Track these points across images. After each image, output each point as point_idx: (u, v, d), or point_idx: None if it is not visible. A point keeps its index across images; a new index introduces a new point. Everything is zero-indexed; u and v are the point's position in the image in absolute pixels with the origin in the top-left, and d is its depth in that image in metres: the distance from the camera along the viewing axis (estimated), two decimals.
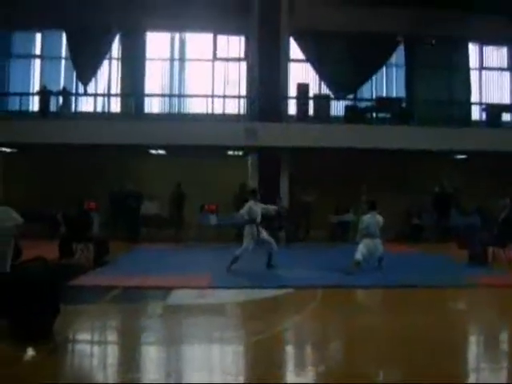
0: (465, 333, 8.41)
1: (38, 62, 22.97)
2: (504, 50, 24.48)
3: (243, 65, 22.97)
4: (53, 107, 21.41)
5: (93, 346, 7.52)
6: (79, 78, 22.09)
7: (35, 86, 22.62)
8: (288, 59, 22.56)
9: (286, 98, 22.06)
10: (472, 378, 6.44)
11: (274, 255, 13.31)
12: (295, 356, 7.33)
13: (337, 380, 5.97)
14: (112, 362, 6.79)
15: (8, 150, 21.36)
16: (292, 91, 22.30)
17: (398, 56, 23.41)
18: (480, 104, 23.82)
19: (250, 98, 22.07)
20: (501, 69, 24.54)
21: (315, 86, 22.92)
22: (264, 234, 13.19)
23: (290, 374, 6.53)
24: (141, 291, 10.64)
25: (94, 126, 19.79)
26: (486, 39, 23.93)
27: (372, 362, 6.65)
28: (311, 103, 21.72)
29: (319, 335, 8.06)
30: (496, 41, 24.08)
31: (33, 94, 22.21)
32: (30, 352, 6.73)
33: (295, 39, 22.60)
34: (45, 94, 21.30)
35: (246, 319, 9.12)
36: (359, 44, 22.03)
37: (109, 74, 22.69)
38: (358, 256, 12.90)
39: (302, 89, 21.60)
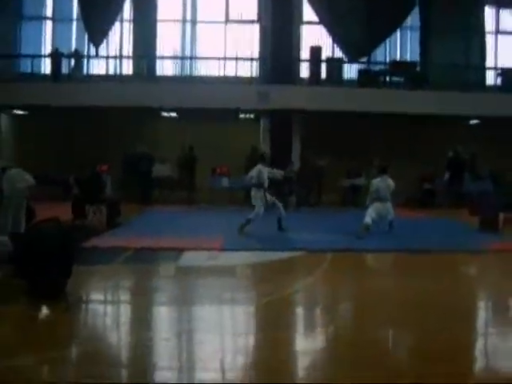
0: (475, 297, 8.44)
1: (49, 23, 22.85)
2: None
3: (256, 27, 22.69)
4: (65, 69, 21.35)
5: (105, 306, 7.63)
6: (91, 39, 21.92)
7: (47, 48, 22.54)
8: (301, 21, 22.32)
9: (298, 60, 21.89)
10: (482, 342, 6.46)
11: (283, 219, 13.32)
12: (305, 318, 7.39)
13: (346, 343, 6.02)
14: (124, 321, 6.89)
15: (20, 112, 21.40)
16: (305, 54, 22.08)
17: (413, 19, 23.00)
18: (495, 69, 23.49)
19: (262, 60, 21.88)
20: None
21: (328, 48, 22.64)
22: (271, 199, 13.20)
23: (299, 335, 6.60)
24: (153, 252, 10.74)
25: (106, 88, 19.76)
26: (503, 2, 23.49)
27: (381, 325, 6.69)
28: (324, 66, 21.52)
29: (329, 298, 8.12)
30: None
31: (44, 56, 22.16)
32: (45, 311, 6.83)
33: (309, 1, 22.27)
34: (56, 56, 21.23)
35: (257, 281, 9.19)
36: (373, 6, 21.64)
37: (120, 36, 22.51)
38: (368, 220, 12.92)
39: (315, 51, 21.39)
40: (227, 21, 22.76)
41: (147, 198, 19.11)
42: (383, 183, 13.46)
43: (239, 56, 22.54)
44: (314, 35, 22.68)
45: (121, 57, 22.56)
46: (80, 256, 8.21)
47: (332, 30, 22.29)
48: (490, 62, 23.44)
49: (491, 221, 13.81)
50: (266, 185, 13.16)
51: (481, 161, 20.62)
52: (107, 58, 22.40)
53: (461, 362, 5.49)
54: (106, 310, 7.44)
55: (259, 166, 13.24)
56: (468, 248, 11.72)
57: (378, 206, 13.23)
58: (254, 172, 13.21)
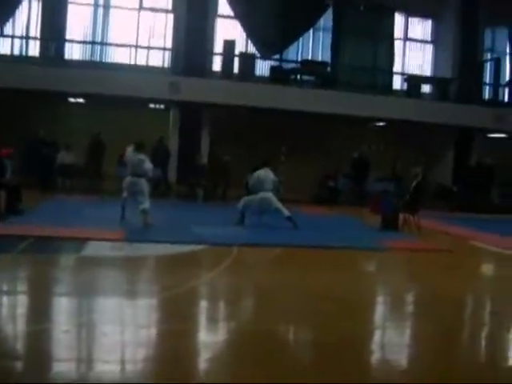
0: (370, 293, 8.71)
1: None
2: (428, 23, 25.04)
3: (170, 16, 22.46)
4: None
5: (2, 296, 7.35)
6: None
7: None
8: (216, 14, 22.28)
9: (211, 53, 21.86)
10: (373, 336, 6.70)
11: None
12: (207, 311, 7.41)
13: (244, 334, 6.09)
14: (21, 312, 6.66)
15: None
16: (218, 47, 22.07)
17: (326, 20, 23.49)
18: (402, 74, 24.38)
19: (175, 51, 21.69)
20: (424, 41, 25.13)
21: (242, 43, 22.74)
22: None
23: (200, 328, 6.61)
24: (54, 242, 10.43)
25: (11, 69, 18.97)
26: (412, 11, 24.40)
27: (279, 317, 6.81)
28: (237, 61, 21.59)
29: (231, 291, 8.18)
30: (421, 13, 24.61)
31: None
32: None
33: None
34: None
35: (160, 274, 9.15)
36: (289, 4, 21.97)
37: (28, 16, 21.61)
38: (240, 206, 13.53)
39: (229, 45, 21.40)
40: (141, 8, 22.39)
41: (49, 185, 18.54)
42: (265, 175, 13.75)
43: (151, 45, 22.27)
44: (228, 29, 22.71)
45: (27, 37, 21.72)
46: None
47: (246, 25, 22.42)
48: (397, 67, 24.30)
49: (391, 220, 14.32)
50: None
51: (381, 161, 21.29)
52: (12, 37, 21.50)
53: (353, 354, 5.68)
54: (3, 301, 7.17)
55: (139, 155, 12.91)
56: (367, 245, 12.13)
57: (254, 197, 13.63)
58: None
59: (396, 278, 9.81)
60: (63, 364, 5.02)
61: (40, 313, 6.49)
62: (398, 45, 24.42)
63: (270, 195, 13.63)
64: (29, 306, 6.98)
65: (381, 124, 22.68)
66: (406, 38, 24.84)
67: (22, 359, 5.12)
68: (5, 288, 7.74)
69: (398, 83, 24.27)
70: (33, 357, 5.15)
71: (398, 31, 24.50)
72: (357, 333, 6.39)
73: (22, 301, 7.27)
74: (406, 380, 5.12)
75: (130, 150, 13.12)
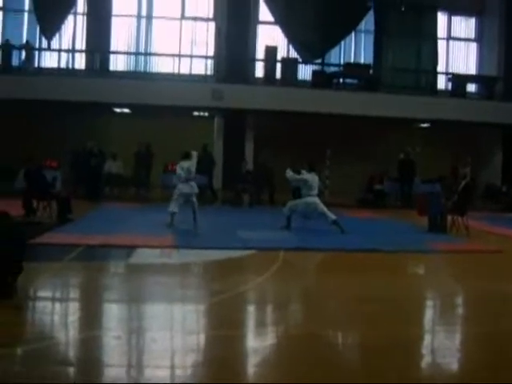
0: (422, 296, 8.60)
1: None
2: (472, 21, 24.64)
3: (211, 25, 22.66)
4: (15, 62, 20.92)
5: (55, 304, 7.50)
6: (43, 32, 21.52)
7: None
8: (257, 21, 22.39)
9: (253, 60, 21.98)
10: (427, 339, 6.61)
11: (197, 213, 13.43)
12: (255, 316, 7.41)
13: (294, 339, 6.08)
14: (74, 319, 6.77)
15: None
16: (260, 53, 22.16)
17: (368, 22, 23.35)
18: (446, 74, 24.04)
19: (217, 58, 21.85)
20: (468, 39, 24.77)
21: (283, 49, 22.78)
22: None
23: (251, 333, 6.61)
24: (104, 250, 10.59)
25: (58, 82, 19.48)
26: (455, 9, 24.09)
27: (331, 322, 6.78)
28: (279, 66, 21.63)
29: (280, 296, 8.16)
30: (464, 11, 24.25)
31: None
32: None
33: (265, 1, 22.34)
34: (7, 47, 20.78)
35: (208, 279, 9.19)
36: (329, 8, 21.89)
37: (74, 30, 22.15)
38: (285, 210, 13.59)
39: (270, 51, 21.49)
40: (183, 17, 22.67)
41: (97, 194, 18.80)
42: (312, 179, 13.68)
43: (194, 54, 22.49)
44: (269, 35, 22.80)
45: (73, 50, 22.21)
46: (30, 252, 8.04)
47: (287, 31, 22.44)
48: (441, 66, 23.97)
49: (440, 222, 14.12)
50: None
51: (428, 163, 21.00)
52: (59, 51, 22.01)
53: (406, 357, 5.61)
54: (57, 308, 7.32)
55: (183, 162, 13.48)
56: (417, 248, 11.95)
57: (303, 201, 13.60)
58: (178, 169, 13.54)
59: (445, 280, 9.65)
60: (115, 369, 5.09)
61: (91, 319, 6.59)
62: (441, 44, 24.07)
63: (315, 199, 13.57)
64: (80, 312, 7.09)
65: (426, 125, 22.39)
66: (449, 37, 24.51)
67: (74, 365, 5.20)
68: (57, 295, 7.90)
69: (442, 83, 23.91)
70: (85, 362, 5.23)
71: (441, 30, 24.16)
72: (407, 336, 6.30)
73: (74, 307, 7.40)
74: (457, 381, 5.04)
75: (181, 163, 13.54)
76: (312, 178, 13.72)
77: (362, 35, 23.83)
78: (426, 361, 5.80)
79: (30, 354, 5.30)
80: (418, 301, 8.23)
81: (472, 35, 24.75)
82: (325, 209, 13.49)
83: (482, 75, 24.01)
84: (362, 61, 23.68)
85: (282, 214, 13.70)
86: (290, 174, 13.93)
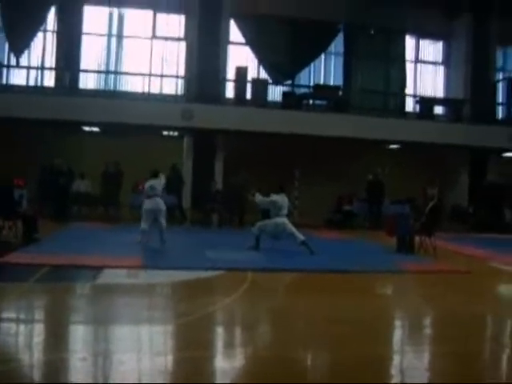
0: (391, 317, 8.63)
1: None
2: (439, 45, 25.10)
3: (182, 44, 22.71)
4: None
5: (20, 325, 7.35)
6: (12, 49, 21.35)
7: None
8: (228, 41, 22.48)
9: (224, 80, 22.01)
10: (396, 360, 6.62)
11: (164, 233, 13.47)
12: (223, 337, 7.36)
13: (262, 361, 6.04)
14: (39, 341, 6.65)
15: None
16: (231, 74, 22.24)
17: (337, 44, 23.68)
18: (414, 96, 24.41)
19: (187, 78, 21.88)
20: (435, 63, 25.18)
21: (254, 69, 22.93)
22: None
23: (218, 354, 6.56)
24: (71, 270, 10.45)
25: (27, 99, 19.27)
26: (423, 33, 24.53)
27: (300, 343, 6.76)
28: (249, 87, 21.72)
29: (249, 317, 8.12)
30: (432, 35, 24.68)
31: None
32: None
33: (236, 21, 22.51)
34: None
35: (176, 300, 9.10)
36: (299, 30, 22.19)
37: (43, 47, 22.00)
38: (254, 231, 13.60)
39: (241, 72, 21.57)
40: (154, 37, 22.67)
41: (65, 213, 18.57)
42: (282, 200, 13.75)
43: (165, 73, 22.50)
44: (240, 56, 22.91)
45: (43, 68, 22.05)
46: None
47: (258, 52, 22.64)
48: (409, 89, 24.36)
49: (408, 242, 14.24)
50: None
51: (396, 184, 21.20)
52: (28, 68, 21.84)
53: (375, 377, 5.61)
54: (21, 330, 7.17)
55: (151, 181, 13.77)
56: (385, 269, 12.01)
57: (273, 221, 13.60)
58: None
59: (413, 301, 9.71)
60: None
61: (57, 341, 6.48)
62: (409, 67, 24.50)
63: (284, 220, 13.59)
64: (46, 334, 6.97)
65: (395, 146, 22.65)
66: (417, 60, 24.91)
67: None
68: (22, 316, 7.75)
69: (410, 105, 24.29)
70: None
71: (410, 53, 24.58)
72: (376, 356, 6.31)
73: (39, 329, 7.27)
74: None
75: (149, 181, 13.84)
76: (281, 199, 13.77)
77: (332, 57, 24.09)
78: (395, 380, 5.80)
79: None
80: (386, 321, 8.26)
81: (440, 58, 25.19)
82: (293, 229, 13.51)
83: (449, 98, 24.41)
84: (332, 82, 23.90)
85: (251, 233, 13.69)
86: (259, 198, 14.07)
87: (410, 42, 24.57)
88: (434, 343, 7.28)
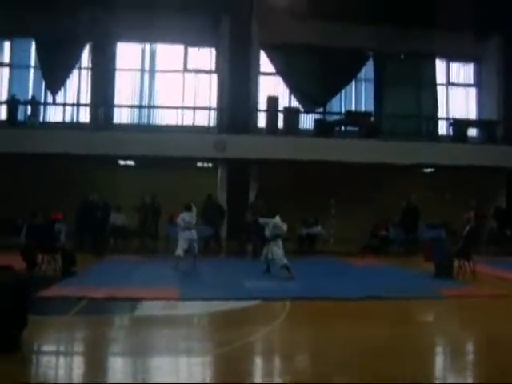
0: (432, 343, 8.50)
1: (6, 70, 22.74)
2: (470, 67, 24.97)
3: (214, 77, 23.01)
4: (21, 116, 21.22)
5: (60, 357, 7.44)
6: (48, 87, 21.93)
7: (3, 94, 22.38)
8: (258, 72, 22.72)
9: (255, 110, 22.20)
10: None
11: (196, 259, 15.16)
12: (264, 367, 7.33)
13: None
14: (79, 373, 6.73)
15: None
16: (262, 104, 22.42)
17: (368, 71, 23.71)
18: (447, 119, 24.26)
19: (220, 110, 22.12)
20: (467, 85, 25.02)
21: (285, 99, 23.08)
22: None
23: None
24: (109, 302, 10.56)
25: (63, 135, 19.72)
26: (453, 56, 24.46)
27: (337, 372, 6.69)
28: (281, 116, 21.84)
29: (288, 346, 8.08)
30: (462, 57, 24.58)
31: (1, 103, 21.96)
32: None
33: (265, 52, 22.77)
34: (13, 102, 21.10)
35: (214, 330, 9.11)
36: (329, 58, 22.31)
37: (78, 84, 22.56)
38: (284, 260, 13.73)
39: (272, 102, 21.74)
40: (185, 70, 23.02)
41: (102, 247, 18.77)
42: (279, 224, 14.12)
43: (197, 105, 22.79)
44: (271, 85, 23.12)
45: (78, 104, 22.54)
46: (35, 306, 8.02)
47: (289, 81, 22.82)
48: (441, 112, 24.22)
49: (446, 267, 14.05)
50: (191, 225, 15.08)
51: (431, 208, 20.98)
52: (64, 105, 22.36)
53: None
54: (61, 362, 7.26)
55: (183, 214, 15.14)
56: (422, 295, 11.85)
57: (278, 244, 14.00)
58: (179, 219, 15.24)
59: (454, 327, 9.55)
60: None
61: (96, 373, 6.54)
62: (440, 90, 24.38)
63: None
64: (85, 366, 7.04)
65: (429, 170, 22.47)
66: (448, 83, 24.78)
67: None
68: (62, 349, 7.84)
69: (443, 128, 24.12)
70: None
71: (440, 77, 24.49)
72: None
73: (79, 361, 7.34)
74: None
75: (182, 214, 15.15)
76: (279, 220, 14.14)
77: (363, 83, 24.13)
78: None
79: None
80: (428, 349, 8.11)
81: (471, 80, 25.04)
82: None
83: (482, 120, 24.20)
84: (363, 108, 23.91)
85: (279, 267, 13.79)
86: (261, 220, 14.65)
87: (440, 65, 24.51)
88: (476, 370, 7.14)
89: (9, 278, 7.25)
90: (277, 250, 13.79)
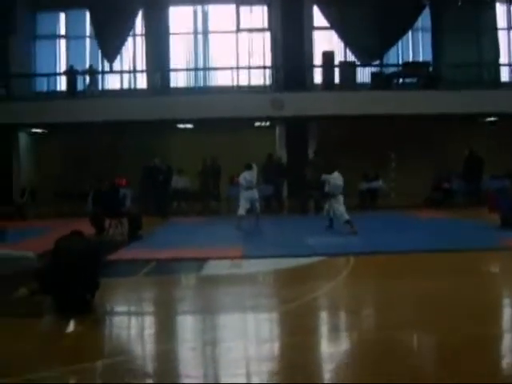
0: (497, 295, 8.40)
1: (63, 42, 23.16)
2: None
3: (267, 35, 22.82)
4: (80, 86, 21.63)
5: (132, 318, 7.70)
6: (104, 55, 22.22)
7: (62, 66, 22.83)
8: (312, 27, 22.43)
9: (311, 66, 21.98)
10: (505, 340, 6.47)
11: (259, 218, 15.39)
12: (330, 322, 7.41)
13: (369, 344, 6.05)
14: (151, 332, 6.96)
15: (39, 130, 21.67)
16: (317, 59, 22.16)
17: (424, 19, 23.01)
18: (509, 65, 23.39)
19: (275, 68, 21.98)
20: None
21: (340, 53, 22.71)
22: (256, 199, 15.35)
23: (325, 339, 6.63)
24: (175, 263, 10.85)
25: (121, 102, 19.99)
26: None
27: (404, 325, 6.71)
28: (337, 71, 21.56)
29: (352, 302, 8.13)
30: None
31: (60, 74, 22.43)
32: (73, 325, 6.91)
33: (318, 6, 22.36)
34: (72, 73, 21.50)
35: (279, 287, 9.24)
36: (384, 8, 21.72)
37: (133, 51, 22.80)
38: (346, 216, 13.76)
39: (327, 57, 21.46)
40: (238, 30, 22.91)
41: (166, 210, 19.16)
42: (338, 179, 14.07)
43: (252, 65, 22.69)
44: (325, 40, 22.77)
45: (135, 71, 22.81)
46: (105, 269, 8.30)
47: (343, 35, 22.38)
48: (503, 58, 23.33)
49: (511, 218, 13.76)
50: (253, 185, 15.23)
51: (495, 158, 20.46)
52: (121, 72, 22.66)
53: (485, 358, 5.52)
54: (133, 322, 7.52)
55: (245, 173, 15.23)
56: (490, 246, 11.66)
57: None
58: (240, 178, 15.37)
59: None
60: (192, 380, 5.20)
61: (167, 332, 6.77)
62: (502, 35, 23.47)
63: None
64: (156, 326, 7.27)
65: (492, 119, 21.85)
66: (510, 28, 23.83)
67: (153, 378, 5.34)
68: (133, 309, 8.11)
69: (506, 75, 23.29)
70: (163, 375, 5.35)
71: (501, 21, 23.55)
72: (481, 336, 6.15)
73: (150, 321, 7.58)
74: None
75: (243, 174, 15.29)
76: (338, 176, 14.15)
77: (420, 33, 23.49)
78: (506, 362, 5.67)
79: (110, 368, 5.47)
80: (495, 301, 8.02)
81: None
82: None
83: None
84: (421, 59, 23.31)
85: (342, 223, 13.82)
86: (323, 176, 14.49)
87: (500, 8, 23.54)
88: None
89: (79, 242, 7.50)
90: (338, 207, 13.79)
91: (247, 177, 15.10)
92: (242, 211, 15.00)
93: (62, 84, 22.31)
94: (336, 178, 14.05)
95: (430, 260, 10.67)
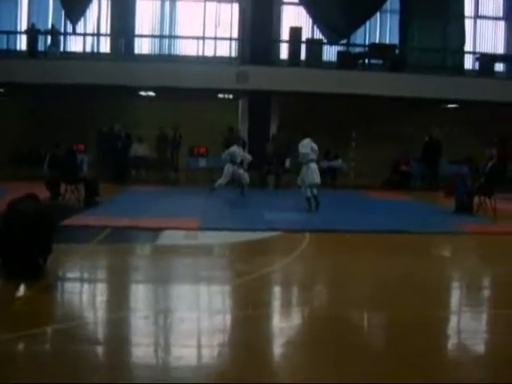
0: (447, 277, 8.56)
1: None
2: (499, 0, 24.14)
3: (235, 6, 22.52)
4: (41, 46, 21.05)
5: (84, 284, 7.63)
6: (68, 16, 21.58)
7: (23, 24, 22.16)
8: (281, 2, 22.22)
9: (278, 41, 21.83)
10: (453, 320, 6.61)
11: (246, 186, 15.90)
12: (282, 297, 7.47)
13: (320, 321, 6.11)
14: (102, 300, 6.91)
15: None
16: (285, 35, 22.02)
17: (393, 2, 22.98)
18: (473, 53, 23.62)
19: (241, 40, 21.77)
20: (495, 18, 24.23)
21: (308, 30, 22.58)
22: (241, 171, 15.86)
23: (276, 314, 6.66)
24: (131, 232, 10.74)
25: (83, 66, 19.53)
26: None
27: (355, 303, 6.79)
28: (303, 47, 21.47)
29: (306, 277, 8.20)
30: None
31: (20, 33, 21.77)
32: (24, 290, 6.80)
33: None
34: (33, 32, 20.91)
35: (234, 260, 9.24)
36: None
37: (98, 14, 22.16)
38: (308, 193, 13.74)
39: (295, 32, 21.31)
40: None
41: (124, 177, 18.92)
42: (305, 147, 13.86)
43: (218, 36, 22.42)
44: (294, 16, 22.61)
45: (98, 34, 22.27)
46: (59, 234, 8.17)
47: (312, 12, 22.20)
48: (468, 46, 23.54)
49: (466, 203, 13.99)
50: (238, 161, 15.73)
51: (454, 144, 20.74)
52: (84, 35, 22.10)
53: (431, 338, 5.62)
54: (85, 289, 7.46)
55: (234, 147, 15.74)
56: (442, 230, 11.88)
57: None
58: (227, 152, 15.79)
59: (472, 262, 9.61)
60: (142, 348, 5.18)
61: (119, 300, 6.72)
62: (468, 23, 23.64)
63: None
64: (109, 293, 7.21)
65: (453, 105, 22.11)
66: (476, 16, 24.03)
67: (103, 344, 5.31)
68: (86, 276, 8.03)
69: (469, 63, 23.51)
70: (113, 342, 5.33)
71: (468, 9, 23.72)
72: (432, 317, 6.27)
73: (102, 288, 7.53)
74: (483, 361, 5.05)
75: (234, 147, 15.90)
76: (309, 142, 13.93)
77: (388, 15, 23.49)
78: (451, 342, 5.79)
79: (60, 334, 5.43)
80: (444, 283, 8.19)
81: (500, 13, 24.26)
82: None
83: (510, 54, 23.56)
84: (388, 41, 23.37)
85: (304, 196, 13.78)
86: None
87: None
88: (491, 306, 7.19)
89: (34, 206, 7.36)
90: (309, 174, 13.63)
91: (237, 151, 15.69)
92: (222, 181, 15.53)
93: (22, 43, 21.68)
94: (304, 146, 13.83)
95: (385, 240, 10.80)
